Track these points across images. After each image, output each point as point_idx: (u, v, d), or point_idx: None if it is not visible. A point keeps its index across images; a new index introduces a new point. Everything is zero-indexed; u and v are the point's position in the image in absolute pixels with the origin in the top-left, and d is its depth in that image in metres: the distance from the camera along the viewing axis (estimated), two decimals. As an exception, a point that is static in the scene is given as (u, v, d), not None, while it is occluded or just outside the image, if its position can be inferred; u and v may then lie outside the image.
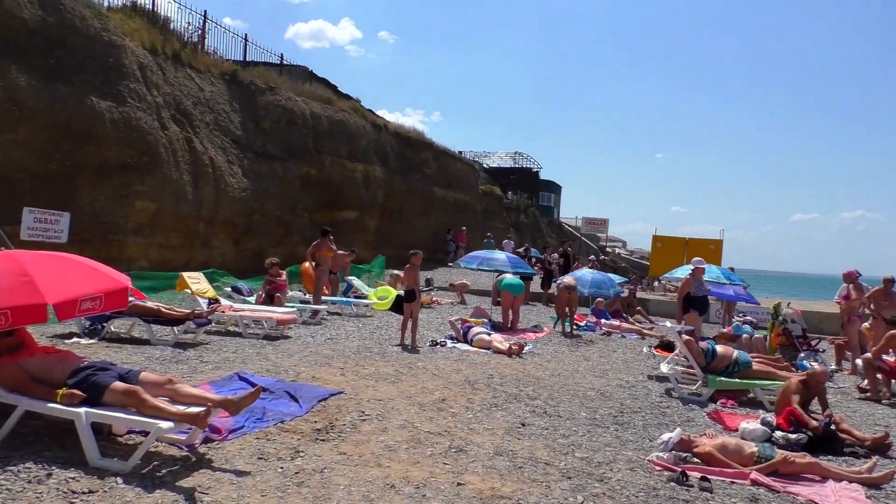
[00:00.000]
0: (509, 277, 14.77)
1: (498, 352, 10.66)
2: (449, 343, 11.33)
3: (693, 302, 11.92)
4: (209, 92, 19.72)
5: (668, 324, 10.77)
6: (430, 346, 11.12)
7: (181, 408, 4.83)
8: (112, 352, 8.50)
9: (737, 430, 7.03)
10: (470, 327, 11.72)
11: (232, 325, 11.36)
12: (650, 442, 6.40)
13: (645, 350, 11.68)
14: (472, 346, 11.12)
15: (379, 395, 7.29)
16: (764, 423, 7.02)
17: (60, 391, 4.76)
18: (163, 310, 9.48)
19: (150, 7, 19.80)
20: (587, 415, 7.36)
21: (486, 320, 13.21)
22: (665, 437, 6.09)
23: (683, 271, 17.42)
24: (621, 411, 7.66)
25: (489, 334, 11.47)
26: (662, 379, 9.61)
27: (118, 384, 4.83)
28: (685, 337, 9.20)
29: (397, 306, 11.77)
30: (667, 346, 10.51)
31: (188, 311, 9.88)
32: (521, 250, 30.66)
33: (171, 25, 20.28)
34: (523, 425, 6.65)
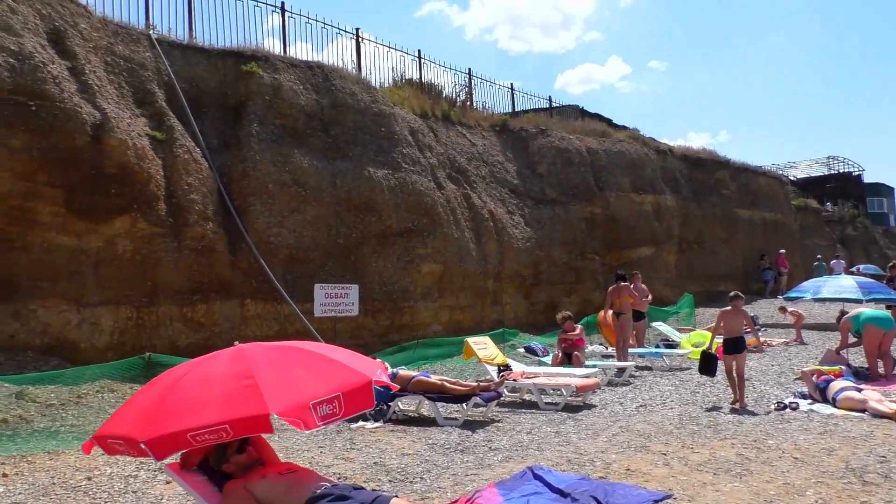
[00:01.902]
0: (868, 309, 11.39)
1: (880, 416, 7.72)
2: (802, 404, 8.60)
3: None
4: (481, 146, 19.30)
5: None
6: (775, 409, 8.53)
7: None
8: (395, 437, 7.54)
9: None
10: (828, 381, 8.84)
11: (527, 394, 9.96)
12: None
13: None
14: (836, 407, 8.28)
15: (724, 497, 5.18)
16: None
17: (294, 528, 3.60)
18: (447, 385, 8.39)
19: (418, 76, 20.19)
20: None
21: (844, 367, 10.09)
22: None
23: None
24: None
25: (859, 390, 8.50)
26: None
27: (360, 522, 3.53)
28: None
29: (705, 365, 9.40)
30: None
31: (474, 383, 8.69)
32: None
33: (438, 88, 20.48)
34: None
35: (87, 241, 9.90)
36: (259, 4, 15.24)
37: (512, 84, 24.25)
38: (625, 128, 26.73)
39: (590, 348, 14.01)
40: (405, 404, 8.98)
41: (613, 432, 7.49)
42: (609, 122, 27.50)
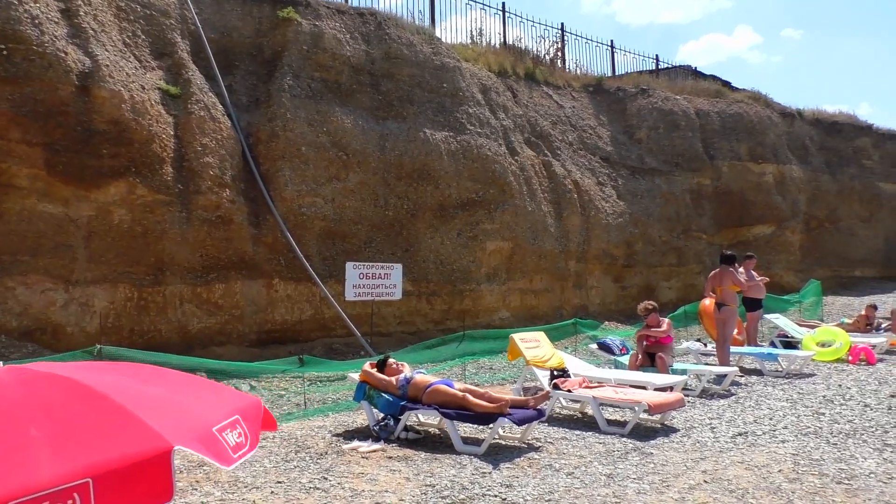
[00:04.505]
0: None
1: None
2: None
3: None
4: (570, 108, 16.94)
5: None
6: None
7: None
8: (387, 469, 5.65)
9: None
10: None
11: (589, 407, 7.80)
12: None
13: None
14: None
15: None
16: None
17: None
18: (469, 398, 6.39)
19: (501, 32, 18.00)
20: None
21: None
22: None
23: None
24: None
25: None
26: None
27: None
28: None
29: None
30: None
31: (506, 397, 6.62)
32: None
33: (523, 46, 18.23)
34: None
35: (75, 209, 8.59)
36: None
37: (612, 41, 21.49)
38: (744, 90, 23.36)
39: (685, 344, 11.61)
40: (425, 417, 7.08)
41: (691, 482, 5.27)
42: (726, 83, 24.11)
